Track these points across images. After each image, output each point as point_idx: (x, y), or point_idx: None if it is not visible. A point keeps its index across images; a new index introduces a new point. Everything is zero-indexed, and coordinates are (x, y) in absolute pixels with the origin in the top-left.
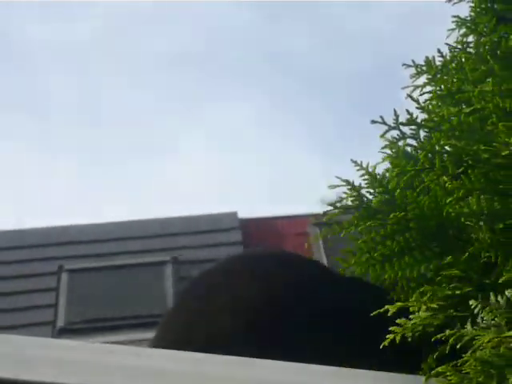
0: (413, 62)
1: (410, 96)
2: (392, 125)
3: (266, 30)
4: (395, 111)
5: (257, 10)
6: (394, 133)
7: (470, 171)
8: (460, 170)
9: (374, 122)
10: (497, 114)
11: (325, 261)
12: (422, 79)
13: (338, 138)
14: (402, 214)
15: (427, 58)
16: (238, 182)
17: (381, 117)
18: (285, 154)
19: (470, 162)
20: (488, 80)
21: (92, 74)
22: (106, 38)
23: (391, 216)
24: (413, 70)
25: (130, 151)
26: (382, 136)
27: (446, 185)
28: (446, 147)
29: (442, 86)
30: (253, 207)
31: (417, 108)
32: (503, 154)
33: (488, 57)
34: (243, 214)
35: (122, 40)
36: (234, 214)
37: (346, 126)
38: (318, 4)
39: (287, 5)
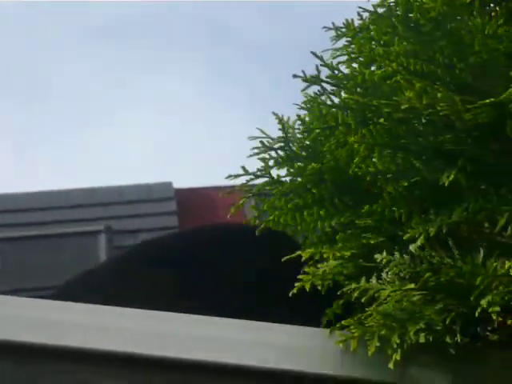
0: (333, 24)
1: (313, 54)
2: (312, 80)
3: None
4: (317, 67)
5: None
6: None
7: (371, 127)
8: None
9: (295, 76)
10: (400, 72)
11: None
12: (343, 41)
13: (276, 107)
14: (319, 165)
15: (347, 20)
16: (176, 152)
17: (302, 71)
18: (224, 125)
19: (373, 119)
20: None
21: (24, 47)
22: (33, 10)
23: (309, 167)
24: (333, 33)
25: (67, 123)
26: (303, 91)
27: (350, 140)
28: (350, 103)
29: (353, 46)
30: (191, 178)
31: (321, 65)
32: (403, 107)
33: (393, 19)
34: (180, 184)
35: (54, 11)
36: (169, 184)
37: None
38: None
39: None
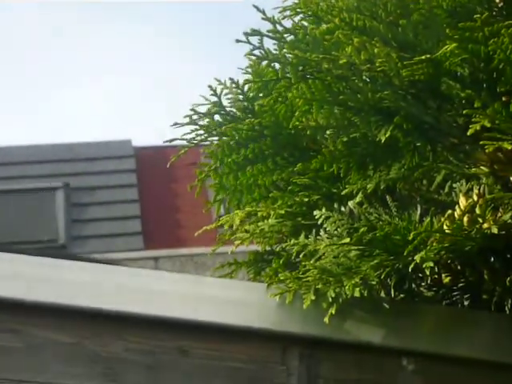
0: None
1: (255, 7)
2: (257, 44)
3: None
4: (260, 32)
5: None
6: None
7: (311, 82)
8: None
9: (238, 41)
10: (342, 28)
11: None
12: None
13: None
14: (258, 120)
15: None
16: (137, 109)
17: (247, 38)
18: (182, 77)
19: (314, 75)
20: None
21: None
22: None
23: (246, 122)
24: None
25: (29, 81)
26: (247, 55)
27: (288, 95)
28: (290, 58)
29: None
30: (152, 136)
31: (262, 19)
32: (341, 62)
33: None
34: (140, 142)
35: None
36: (128, 142)
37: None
38: None
39: None
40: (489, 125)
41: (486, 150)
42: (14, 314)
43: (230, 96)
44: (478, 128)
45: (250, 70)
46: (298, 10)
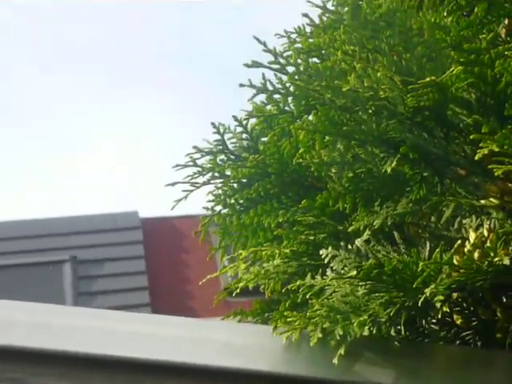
0: (285, 31)
1: (256, 39)
2: (260, 86)
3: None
4: (263, 75)
5: None
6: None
7: (313, 114)
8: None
9: (242, 85)
10: (345, 61)
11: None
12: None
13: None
14: (261, 157)
15: (298, 27)
16: (142, 181)
17: (249, 80)
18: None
19: (316, 106)
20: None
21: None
22: None
23: (250, 158)
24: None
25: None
26: (250, 100)
27: (291, 127)
28: (291, 89)
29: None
30: (157, 207)
31: (264, 50)
32: (344, 89)
33: (338, 8)
34: (145, 213)
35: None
36: (135, 213)
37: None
38: None
39: None
40: (497, 149)
41: (495, 174)
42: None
43: (231, 135)
44: (486, 152)
45: (254, 113)
46: (302, 50)
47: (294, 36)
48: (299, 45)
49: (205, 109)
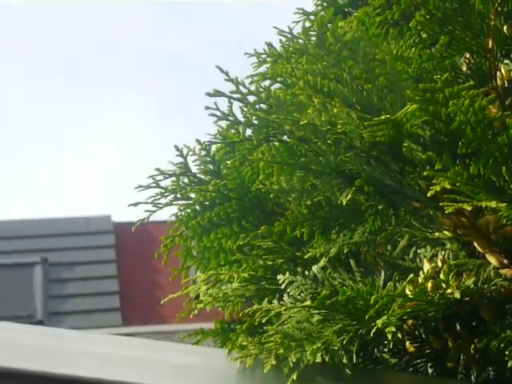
0: (254, 50)
1: (218, 68)
2: (226, 112)
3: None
4: (222, 93)
5: None
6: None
7: (272, 144)
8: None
9: (207, 107)
10: (306, 90)
11: None
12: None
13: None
14: (223, 182)
15: (269, 47)
16: (116, 185)
17: (215, 103)
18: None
19: (277, 136)
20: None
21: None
22: None
23: (212, 183)
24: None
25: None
26: (216, 123)
27: (251, 157)
28: (254, 120)
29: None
30: (130, 211)
31: (226, 80)
32: (302, 123)
33: (305, 39)
34: (119, 217)
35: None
36: (108, 217)
37: None
38: None
39: None
40: (449, 187)
41: (446, 212)
42: None
43: (195, 158)
44: (438, 189)
45: (218, 136)
46: (266, 75)
47: (263, 56)
48: (265, 68)
49: (187, 113)
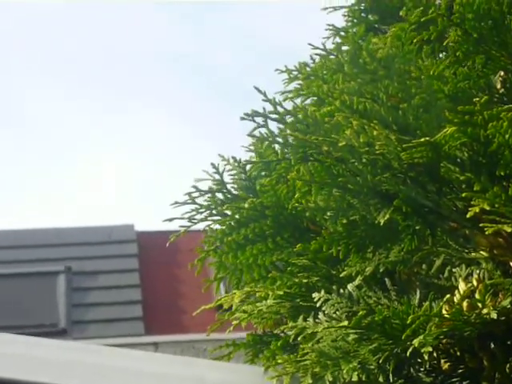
0: (285, 67)
1: (256, 89)
2: (261, 123)
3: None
4: (264, 109)
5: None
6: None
7: (310, 164)
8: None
9: (243, 118)
10: (343, 110)
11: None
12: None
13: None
14: (259, 200)
15: (300, 63)
16: (140, 194)
17: (250, 114)
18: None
19: (314, 156)
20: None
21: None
22: None
23: (248, 201)
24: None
25: (27, 163)
26: (250, 134)
27: (288, 177)
28: (290, 140)
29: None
30: (153, 221)
31: (264, 100)
32: (340, 145)
33: (339, 55)
34: (142, 227)
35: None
36: (131, 227)
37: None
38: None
39: None
40: (488, 208)
41: (486, 233)
42: None
43: (232, 173)
44: (477, 211)
45: (252, 148)
46: (301, 92)
47: (295, 73)
48: (297, 84)
49: (204, 122)
